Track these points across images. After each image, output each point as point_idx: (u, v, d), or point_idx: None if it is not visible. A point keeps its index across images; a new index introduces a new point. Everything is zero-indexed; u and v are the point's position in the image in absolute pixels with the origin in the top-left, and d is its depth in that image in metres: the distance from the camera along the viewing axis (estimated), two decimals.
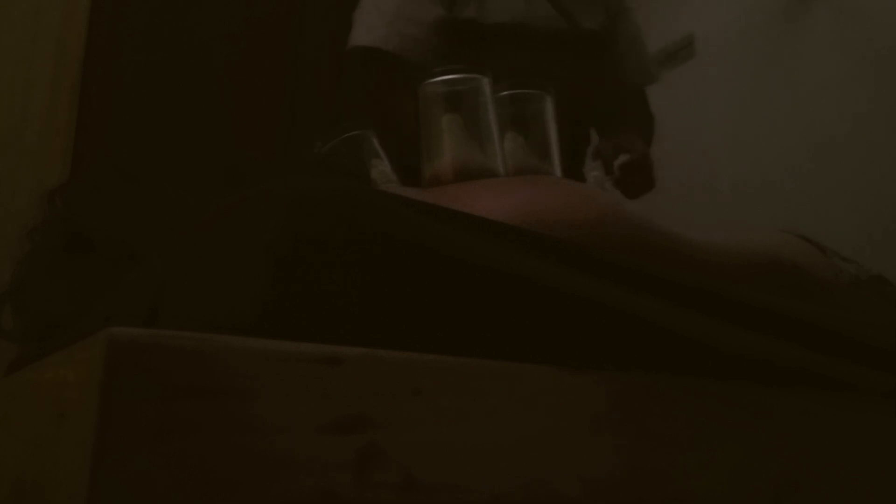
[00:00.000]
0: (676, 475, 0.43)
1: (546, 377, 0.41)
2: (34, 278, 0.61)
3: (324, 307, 0.38)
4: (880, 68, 1.77)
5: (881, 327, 0.61)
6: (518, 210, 0.57)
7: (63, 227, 0.61)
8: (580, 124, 1.24)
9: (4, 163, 1.59)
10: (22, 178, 1.57)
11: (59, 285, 0.60)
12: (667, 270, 0.52)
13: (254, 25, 1.94)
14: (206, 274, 0.41)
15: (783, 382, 0.50)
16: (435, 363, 0.37)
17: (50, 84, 1.67)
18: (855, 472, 0.53)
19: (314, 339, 0.35)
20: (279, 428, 0.32)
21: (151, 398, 0.29)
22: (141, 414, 0.29)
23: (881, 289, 0.77)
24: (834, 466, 0.51)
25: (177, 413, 0.30)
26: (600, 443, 0.41)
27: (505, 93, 0.78)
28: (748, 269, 0.68)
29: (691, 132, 1.31)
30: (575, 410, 0.41)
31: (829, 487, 0.50)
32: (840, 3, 1.91)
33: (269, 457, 0.31)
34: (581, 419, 0.41)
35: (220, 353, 0.32)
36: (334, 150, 0.79)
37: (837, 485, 0.51)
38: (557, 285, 0.44)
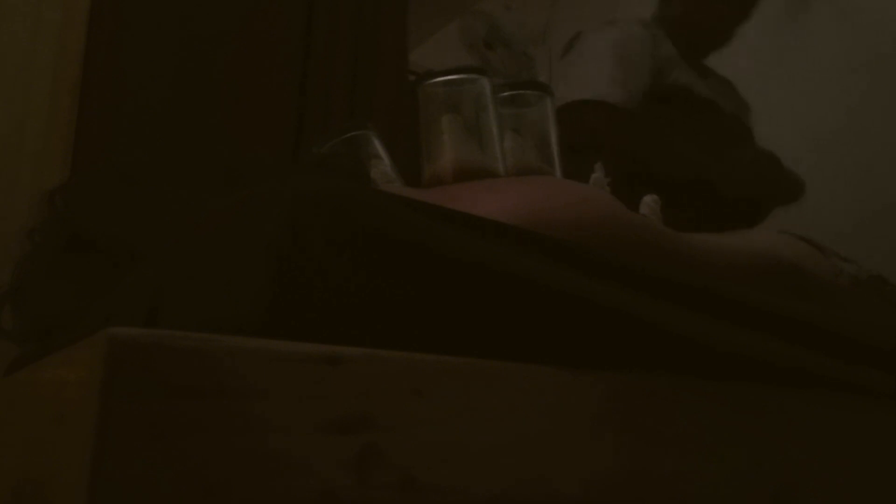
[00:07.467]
0: (676, 475, 0.43)
1: (546, 377, 0.41)
2: (34, 278, 0.61)
3: (324, 307, 0.38)
4: (880, 67, 1.77)
5: (881, 327, 0.61)
6: (518, 210, 0.57)
7: (63, 227, 0.61)
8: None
9: (4, 163, 1.58)
10: (22, 178, 1.57)
11: (59, 285, 0.60)
12: (667, 270, 0.52)
13: (258, 24, 1.93)
14: (206, 274, 0.40)
15: (783, 382, 0.50)
16: (435, 363, 0.37)
17: (50, 84, 1.67)
18: (855, 472, 0.53)
19: (314, 339, 0.35)
20: (279, 428, 0.32)
21: (151, 398, 0.29)
22: (141, 414, 0.29)
23: (881, 289, 0.77)
24: (834, 466, 0.51)
25: (177, 413, 0.30)
26: (600, 443, 0.41)
27: (505, 93, 0.78)
28: (748, 269, 0.68)
29: None
30: (575, 410, 0.41)
31: (829, 487, 0.50)
32: (840, 2, 1.91)
33: (269, 457, 0.31)
34: (581, 419, 0.41)
35: (220, 353, 0.32)
36: (334, 150, 0.79)
37: (837, 485, 0.51)
38: (557, 285, 0.44)
